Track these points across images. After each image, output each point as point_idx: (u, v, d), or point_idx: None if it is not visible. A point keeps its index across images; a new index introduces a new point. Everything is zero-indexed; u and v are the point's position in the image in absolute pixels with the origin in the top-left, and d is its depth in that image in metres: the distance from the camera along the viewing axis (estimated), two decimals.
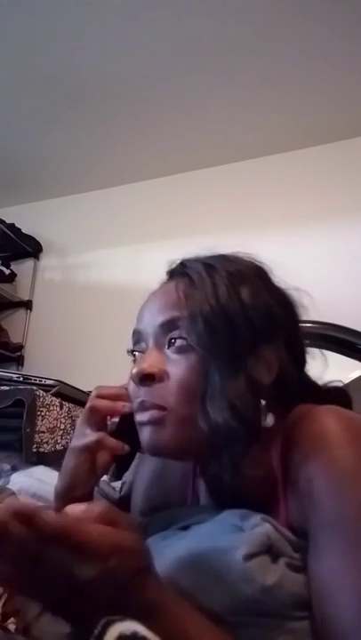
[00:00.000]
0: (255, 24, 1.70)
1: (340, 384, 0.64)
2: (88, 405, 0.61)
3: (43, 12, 1.71)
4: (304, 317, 0.60)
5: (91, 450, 0.59)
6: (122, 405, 0.58)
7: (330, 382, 0.64)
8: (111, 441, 0.58)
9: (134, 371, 0.54)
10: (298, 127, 2.16)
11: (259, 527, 0.49)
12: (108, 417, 0.61)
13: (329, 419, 0.52)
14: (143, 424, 0.54)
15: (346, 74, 1.88)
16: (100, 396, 0.61)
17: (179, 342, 0.54)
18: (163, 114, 2.14)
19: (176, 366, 0.53)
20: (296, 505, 0.51)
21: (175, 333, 0.54)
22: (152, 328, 0.56)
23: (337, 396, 0.62)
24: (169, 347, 0.55)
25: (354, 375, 1.50)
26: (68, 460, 0.61)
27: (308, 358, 0.61)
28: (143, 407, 0.54)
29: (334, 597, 0.44)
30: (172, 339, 0.54)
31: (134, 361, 0.59)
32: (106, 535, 0.37)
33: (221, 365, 0.51)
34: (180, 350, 0.53)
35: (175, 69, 1.91)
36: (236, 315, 0.52)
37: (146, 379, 0.53)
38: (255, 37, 1.75)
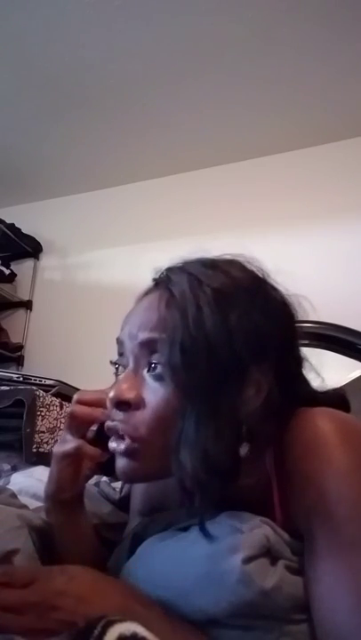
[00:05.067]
0: (255, 24, 1.69)
1: (338, 388, 0.64)
2: (68, 411, 0.61)
3: (43, 12, 1.70)
4: (304, 318, 0.59)
5: (70, 456, 0.59)
6: (100, 412, 0.57)
7: (328, 387, 0.63)
8: (89, 449, 0.58)
9: (111, 395, 0.52)
10: (298, 127, 2.15)
11: (258, 529, 0.48)
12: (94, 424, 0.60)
13: (322, 420, 0.51)
14: (118, 453, 0.53)
15: (345, 74, 1.87)
16: (80, 402, 0.60)
17: (158, 369, 0.51)
18: (163, 114, 2.14)
19: (152, 395, 0.51)
20: (292, 507, 0.51)
21: (155, 357, 0.51)
22: (131, 345, 0.54)
23: (334, 399, 0.61)
24: (148, 370, 0.52)
25: (354, 375, 1.50)
26: (53, 466, 0.61)
27: (307, 362, 0.59)
28: (117, 435, 0.53)
29: (330, 599, 0.44)
30: (151, 363, 0.52)
31: (116, 372, 0.58)
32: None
33: (198, 405, 0.48)
34: (159, 378, 0.51)
35: (175, 69, 1.91)
36: (219, 344, 0.48)
37: (122, 404, 0.52)
38: (255, 38, 1.75)
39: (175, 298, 0.51)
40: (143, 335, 0.52)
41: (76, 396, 0.61)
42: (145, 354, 0.53)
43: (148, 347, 0.52)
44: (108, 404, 0.54)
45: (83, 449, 0.58)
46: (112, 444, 0.53)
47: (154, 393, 0.51)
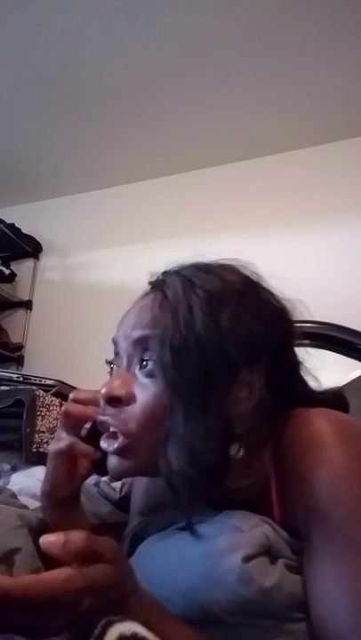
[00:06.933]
0: (255, 24, 1.70)
1: (337, 388, 0.64)
2: (62, 409, 0.61)
3: (43, 12, 1.71)
4: (304, 318, 0.59)
5: (64, 454, 0.58)
6: (93, 411, 0.57)
7: (328, 388, 0.63)
8: (82, 446, 0.58)
9: (102, 391, 0.53)
10: (298, 127, 2.16)
11: (258, 528, 0.49)
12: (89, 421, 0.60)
13: (319, 420, 0.51)
14: (109, 452, 0.53)
15: (345, 74, 1.88)
16: (74, 401, 0.60)
17: (149, 365, 0.52)
18: (162, 114, 2.14)
19: (143, 391, 0.52)
20: (290, 507, 0.51)
21: (146, 355, 0.53)
22: (125, 344, 0.55)
23: (333, 399, 0.61)
24: (140, 367, 0.53)
25: (354, 375, 1.50)
26: (48, 464, 0.61)
27: (307, 361, 0.60)
28: (107, 433, 0.53)
29: (329, 598, 0.44)
30: (143, 359, 0.53)
31: (110, 372, 0.59)
32: (74, 579, 0.36)
33: (187, 403, 0.49)
34: (149, 375, 0.52)
35: (175, 69, 1.91)
36: (209, 344, 0.49)
37: (113, 400, 0.53)
38: (255, 37, 1.75)
39: (168, 299, 0.53)
40: (136, 333, 0.54)
41: (71, 395, 0.61)
42: (138, 351, 0.54)
43: (141, 344, 0.53)
44: (100, 400, 0.54)
45: (75, 446, 0.58)
46: (103, 444, 0.54)
47: (144, 389, 0.52)
